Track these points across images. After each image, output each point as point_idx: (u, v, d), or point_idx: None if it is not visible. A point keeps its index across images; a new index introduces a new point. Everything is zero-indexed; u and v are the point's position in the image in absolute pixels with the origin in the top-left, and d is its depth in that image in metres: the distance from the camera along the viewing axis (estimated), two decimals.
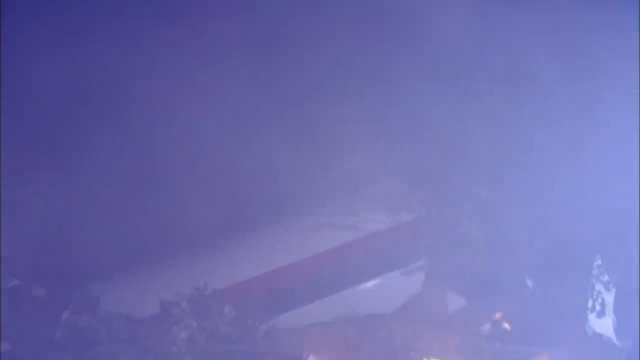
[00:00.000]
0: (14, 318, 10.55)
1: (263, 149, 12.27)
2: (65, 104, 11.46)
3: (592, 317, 11.76)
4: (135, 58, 12.04)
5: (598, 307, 11.82)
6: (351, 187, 12.79)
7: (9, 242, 10.95)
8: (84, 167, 11.31)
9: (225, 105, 11.89)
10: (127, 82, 12.03)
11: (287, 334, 11.83)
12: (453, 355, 11.71)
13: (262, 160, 12.07)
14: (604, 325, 11.80)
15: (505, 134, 12.08)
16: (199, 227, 11.82)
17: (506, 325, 12.24)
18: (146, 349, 10.22)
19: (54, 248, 11.40)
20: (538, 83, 12.20)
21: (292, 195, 12.30)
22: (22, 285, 11.06)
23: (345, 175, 12.46)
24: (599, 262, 11.84)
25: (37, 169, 11.29)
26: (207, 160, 11.77)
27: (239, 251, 12.43)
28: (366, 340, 11.93)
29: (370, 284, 12.76)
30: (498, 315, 12.32)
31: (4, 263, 10.75)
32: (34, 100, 11.36)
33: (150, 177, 11.36)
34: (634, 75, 11.58)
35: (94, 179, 11.40)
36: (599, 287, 11.90)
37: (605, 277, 11.85)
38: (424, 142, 12.32)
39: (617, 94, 11.54)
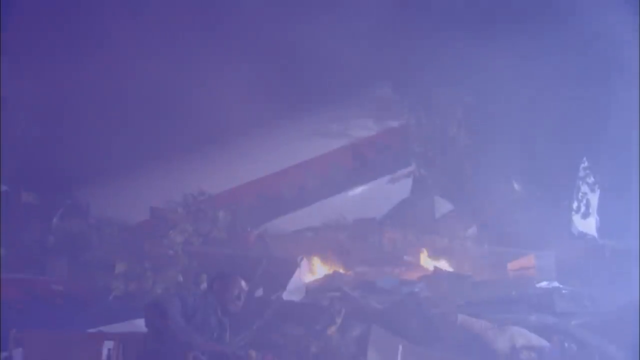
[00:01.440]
0: (6, 223, 10.51)
1: (252, 57, 12.14)
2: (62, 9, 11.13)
3: (577, 217, 12.09)
4: None
5: (583, 208, 12.14)
6: (340, 93, 12.77)
7: None
8: (74, 70, 11.09)
9: (220, 13, 11.69)
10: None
11: (278, 239, 11.97)
12: (441, 257, 11.98)
13: (252, 67, 11.95)
14: (588, 225, 12.15)
15: (496, 41, 12.02)
16: (191, 132, 11.77)
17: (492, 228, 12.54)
18: (143, 253, 10.28)
19: (42, 153, 11.28)
20: None
21: (282, 102, 12.24)
22: (11, 191, 10.98)
23: (334, 82, 12.40)
24: (585, 164, 12.10)
25: (26, 76, 11.06)
26: (199, 65, 11.62)
27: (228, 158, 12.45)
28: (356, 245, 12.12)
29: (359, 189, 12.90)
30: (484, 218, 12.59)
31: None
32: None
33: (141, 81, 11.19)
34: None
35: (84, 80, 11.20)
36: (584, 188, 12.20)
37: (591, 179, 12.14)
38: (414, 47, 12.27)
39: None
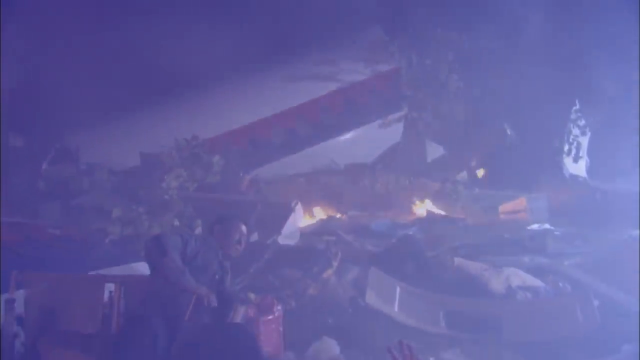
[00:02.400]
0: None
1: (243, 1, 11.92)
2: None
3: (568, 160, 12.12)
4: None
5: (574, 151, 12.17)
6: (331, 37, 12.61)
7: None
8: (66, 16, 10.78)
9: None
10: None
11: (270, 184, 11.92)
12: (433, 200, 12.01)
13: (243, 11, 11.73)
14: (579, 167, 12.20)
15: None
16: (180, 77, 11.56)
17: (482, 172, 12.57)
18: (137, 198, 10.16)
19: (31, 97, 11.03)
20: None
21: (273, 46, 12.06)
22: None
23: (325, 25, 12.21)
24: (577, 106, 12.10)
25: (18, 23, 10.75)
26: (191, 10, 11.37)
27: (220, 102, 12.30)
28: (349, 189, 12.09)
29: (350, 134, 12.83)
30: (475, 162, 12.60)
31: None
32: None
33: (133, 23, 10.93)
34: None
35: (75, 24, 10.91)
36: (575, 131, 12.21)
37: (582, 122, 12.16)
38: None
39: None
